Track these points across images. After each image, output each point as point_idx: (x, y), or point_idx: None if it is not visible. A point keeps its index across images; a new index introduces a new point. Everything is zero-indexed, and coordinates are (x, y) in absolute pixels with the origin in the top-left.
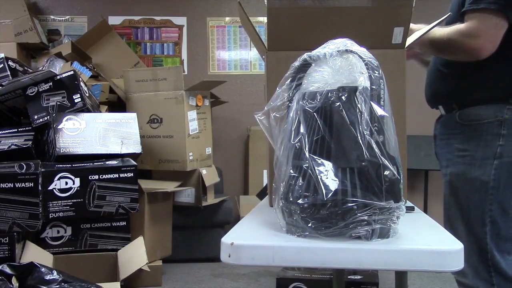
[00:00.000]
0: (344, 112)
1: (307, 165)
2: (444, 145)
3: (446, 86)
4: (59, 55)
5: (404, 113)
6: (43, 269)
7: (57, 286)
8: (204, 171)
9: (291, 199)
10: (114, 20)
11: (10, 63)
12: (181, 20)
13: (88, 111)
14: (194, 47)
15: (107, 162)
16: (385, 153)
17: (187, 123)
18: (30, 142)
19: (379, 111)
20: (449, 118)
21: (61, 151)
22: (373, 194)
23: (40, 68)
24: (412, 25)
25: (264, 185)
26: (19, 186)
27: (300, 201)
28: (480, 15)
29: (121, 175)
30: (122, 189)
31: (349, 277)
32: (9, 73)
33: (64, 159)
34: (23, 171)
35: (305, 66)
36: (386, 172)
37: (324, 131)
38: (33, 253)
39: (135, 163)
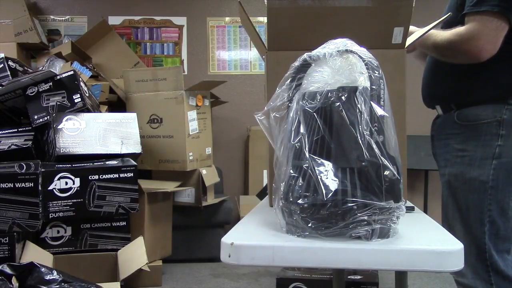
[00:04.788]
0: (344, 112)
1: (307, 165)
2: (442, 145)
3: (444, 86)
4: (59, 55)
5: (404, 113)
6: (43, 269)
7: (57, 286)
8: (204, 171)
9: (291, 199)
10: (114, 20)
11: (10, 63)
12: (181, 20)
13: (88, 111)
14: (194, 47)
15: (107, 162)
16: (385, 153)
17: (187, 123)
18: (30, 142)
19: (379, 111)
20: (447, 118)
21: (61, 151)
22: (373, 194)
23: (40, 68)
24: (411, 27)
25: (264, 185)
26: (19, 186)
27: (300, 201)
28: (481, 18)
29: (121, 175)
30: (122, 189)
31: (349, 277)
32: (9, 73)
33: (64, 159)
34: (23, 171)
35: (305, 66)
36: (386, 172)
37: (324, 131)
38: (33, 253)
39: (135, 163)
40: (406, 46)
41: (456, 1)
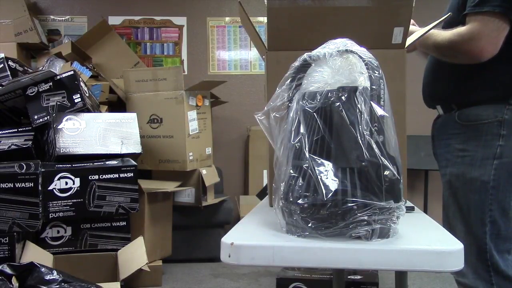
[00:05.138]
0: (344, 112)
1: (307, 165)
2: (443, 145)
3: (445, 86)
4: (59, 55)
5: (404, 113)
6: (43, 269)
7: (57, 286)
8: (204, 171)
9: (291, 199)
10: (114, 20)
11: (10, 63)
12: (181, 20)
13: (88, 111)
14: (194, 47)
15: (107, 162)
16: (385, 153)
17: (187, 123)
18: (30, 142)
19: (379, 111)
20: (448, 118)
21: (61, 151)
22: (373, 194)
23: (40, 68)
24: (412, 27)
25: (264, 185)
26: (19, 186)
27: (300, 201)
28: (482, 18)
29: (121, 175)
30: (122, 189)
31: (349, 277)
32: (9, 73)
33: (64, 159)
34: (23, 171)
35: (305, 66)
36: (386, 172)
37: (324, 131)
38: (33, 253)
39: (135, 163)
40: (406, 46)
41: (457, 1)
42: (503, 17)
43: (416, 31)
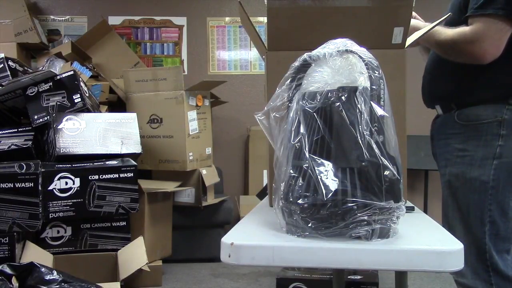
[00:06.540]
0: (344, 112)
1: (307, 165)
2: (442, 145)
3: (444, 86)
4: (59, 55)
5: (404, 113)
6: (43, 269)
7: (57, 286)
8: (204, 171)
9: (291, 199)
10: (114, 20)
11: (10, 63)
12: (181, 20)
13: (88, 111)
14: (194, 47)
15: (107, 162)
16: (385, 153)
17: (187, 123)
18: (30, 142)
19: (379, 111)
20: (447, 118)
21: (61, 151)
22: (373, 194)
23: (40, 68)
24: (419, 23)
25: (264, 185)
26: (19, 186)
27: (300, 201)
28: (485, 20)
29: (121, 175)
30: (122, 189)
31: (349, 277)
32: (9, 73)
33: (64, 159)
34: (23, 171)
35: (305, 66)
36: (386, 172)
37: (324, 131)
38: (33, 253)
39: (135, 163)
40: (406, 46)
41: (459, 2)
42: (506, 19)
43: (418, 30)
